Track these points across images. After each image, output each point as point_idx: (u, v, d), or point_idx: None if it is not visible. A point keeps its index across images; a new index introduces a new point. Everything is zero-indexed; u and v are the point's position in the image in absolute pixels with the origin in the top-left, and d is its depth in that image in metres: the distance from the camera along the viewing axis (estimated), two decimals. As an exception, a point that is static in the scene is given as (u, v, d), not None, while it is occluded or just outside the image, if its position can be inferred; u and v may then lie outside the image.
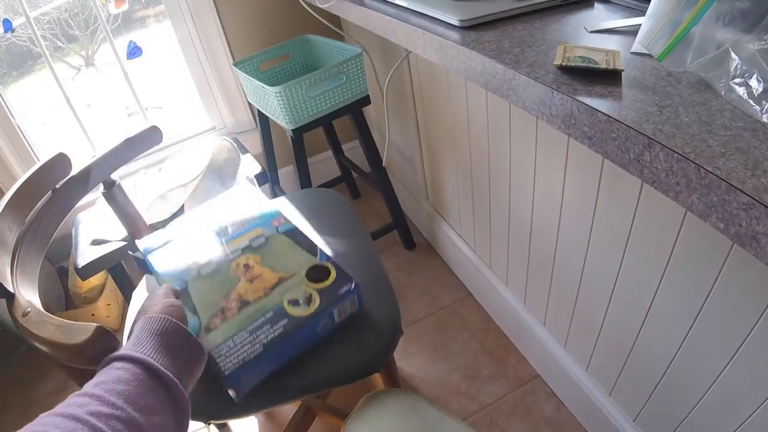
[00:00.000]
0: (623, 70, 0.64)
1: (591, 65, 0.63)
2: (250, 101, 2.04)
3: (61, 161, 1.13)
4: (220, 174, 1.73)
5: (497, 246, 1.68)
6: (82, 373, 0.78)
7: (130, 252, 1.14)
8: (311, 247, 1.06)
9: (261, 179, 1.81)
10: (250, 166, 1.85)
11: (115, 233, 1.71)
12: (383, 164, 2.02)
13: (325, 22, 1.80)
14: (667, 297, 1.01)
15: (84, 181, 1.18)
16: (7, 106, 2.00)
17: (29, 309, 0.84)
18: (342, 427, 0.91)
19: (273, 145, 2.25)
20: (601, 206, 1.10)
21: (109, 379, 0.60)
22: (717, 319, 0.91)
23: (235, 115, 2.39)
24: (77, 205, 1.19)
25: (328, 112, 1.77)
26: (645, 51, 0.67)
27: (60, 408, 0.55)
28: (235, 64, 1.91)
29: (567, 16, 0.89)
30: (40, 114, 2.36)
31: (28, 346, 2.10)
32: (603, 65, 0.64)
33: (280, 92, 1.61)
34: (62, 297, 2.22)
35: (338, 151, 2.53)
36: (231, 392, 0.88)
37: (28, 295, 0.92)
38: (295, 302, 0.95)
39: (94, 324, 0.77)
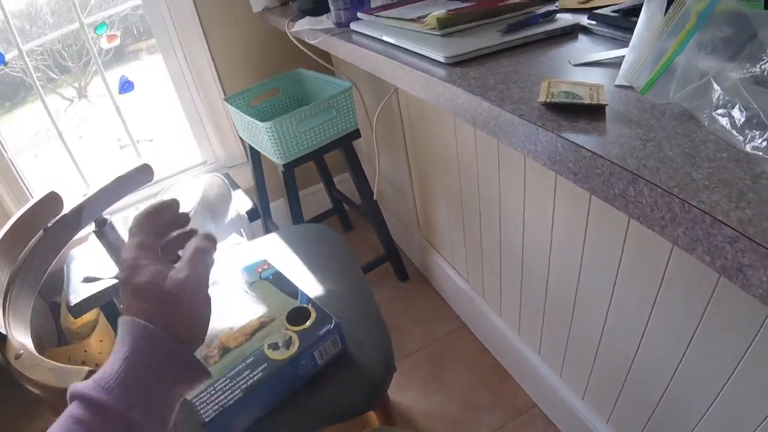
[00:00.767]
0: (607, 105, 0.64)
1: (575, 101, 0.64)
2: (241, 136, 2.05)
3: (52, 200, 1.13)
4: (211, 210, 1.73)
5: (490, 276, 1.68)
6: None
7: (121, 306, 1.14)
8: (292, 290, 1.08)
9: (252, 215, 1.81)
10: (242, 202, 1.85)
11: (107, 270, 1.70)
12: (374, 197, 2.02)
13: (315, 58, 1.82)
14: (659, 324, 1.01)
15: (76, 220, 1.18)
16: (-1, 139, 2.00)
17: (22, 351, 0.83)
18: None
19: (264, 178, 2.25)
20: (591, 236, 1.11)
21: None
22: (710, 343, 0.91)
23: (227, 149, 2.40)
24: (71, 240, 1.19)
25: (318, 146, 1.78)
26: (629, 84, 0.68)
27: None
28: (227, 99, 1.93)
29: (552, 49, 0.90)
30: (32, 146, 2.36)
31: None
32: (587, 100, 0.64)
33: (270, 128, 1.62)
34: (54, 332, 2.19)
35: (329, 184, 2.54)
36: None
37: (21, 337, 0.91)
38: (275, 346, 0.96)
39: (86, 368, 0.77)
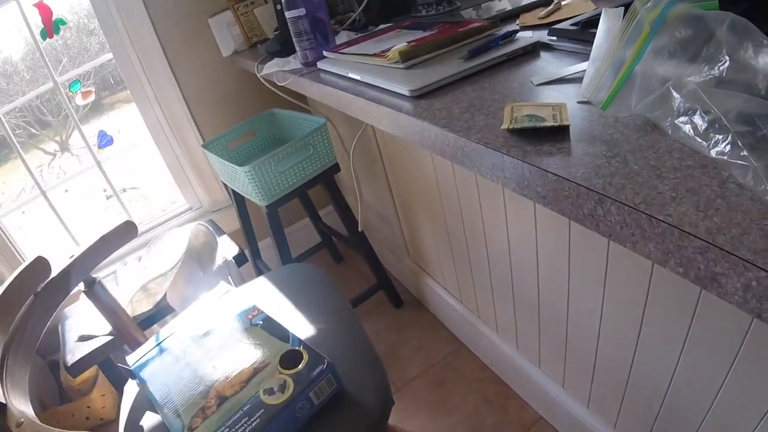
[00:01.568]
0: (569, 125, 0.65)
1: (538, 124, 0.65)
2: (222, 180, 2.05)
3: (39, 265, 1.13)
4: (198, 259, 1.72)
5: (482, 295, 1.68)
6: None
7: (119, 365, 1.16)
8: (283, 334, 1.08)
9: (240, 260, 1.81)
10: (228, 248, 1.85)
11: (101, 328, 1.69)
12: (360, 228, 2.02)
13: (288, 98, 1.83)
14: (651, 331, 1.02)
15: (64, 283, 1.18)
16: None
17: (22, 420, 0.84)
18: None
19: (251, 219, 2.26)
20: (575, 251, 1.12)
21: None
22: (703, 347, 0.91)
23: (210, 194, 2.40)
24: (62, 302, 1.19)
25: (299, 184, 1.79)
26: (590, 101, 0.69)
27: None
28: (204, 146, 1.93)
29: (514, 70, 0.91)
30: (19, 204, 2.35)
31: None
32: (550, 122, 0.65)
33: (249, 171, 1.63)
34: (56, 390, 2.17)
35: (316, 218, 2.54)
36: None
37: (20, 404, 0.91)
38: (270, 391, 0.96)
39: None
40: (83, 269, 1.23)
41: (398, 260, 2.30)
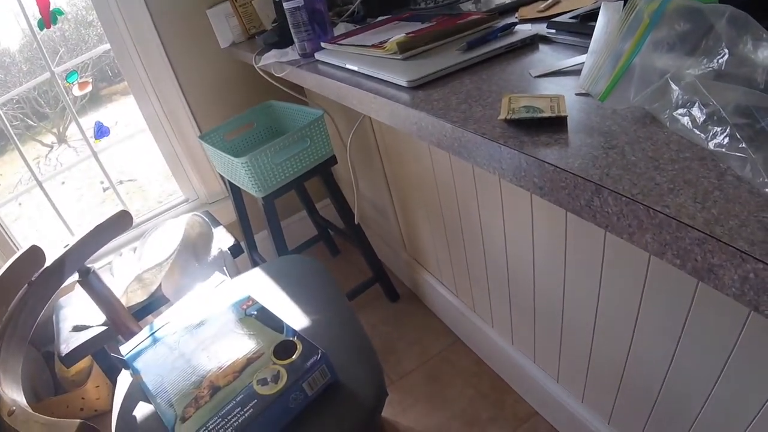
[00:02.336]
0: (567, 116, 0.64)
1: (535, 115, 0.64)
2: (219, 172, 2.05)
3: (34, 254, 1.13)
4: (194, 250, 1.72)
5: (478, 289, 1.68)
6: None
7: (113, 354, 1.15)
8: (278, 325, 1.08)
9: (235, 251, 1.80)
10: (224, 239, 1.85)
11: (95, 318, 1.69)
12: (356, 221, 2.02)
13: (286, 90, 1.82)
14: (647, 323, 1.02)
15: (59, 272, 1.18)
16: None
17: (14, 408, 0.84)
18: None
19: (247, 211, 2.25)
20: (571, 244, 1.11)
21: None
22: (699, 339, 0.91)
23: (207, 185, 2.40)
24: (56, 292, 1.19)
25: (296, 176, 1.78)
26: (587, 92, 0.68)
27: None
28: (201, 137, 1.92)
29: (512, 62, 0.91)
30: (15, 195, 2.35)
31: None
32: (547, 113, 0.64)
33: (246, 162, 1.62)
34: (50, 381, 2.17)
35: (312, 211, 2.53)
36: None
37: (12, 394, 0.91)
38: (263, 381, 0.96)
39: (78, 420, 0.78)
40: (78, 258, 1.23)
41: (394, 253, 2.30)
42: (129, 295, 1.64)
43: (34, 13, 1.99)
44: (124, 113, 2.42)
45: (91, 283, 1.29)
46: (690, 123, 0.55)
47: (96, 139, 2.31)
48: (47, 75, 2.09)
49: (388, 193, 2.03)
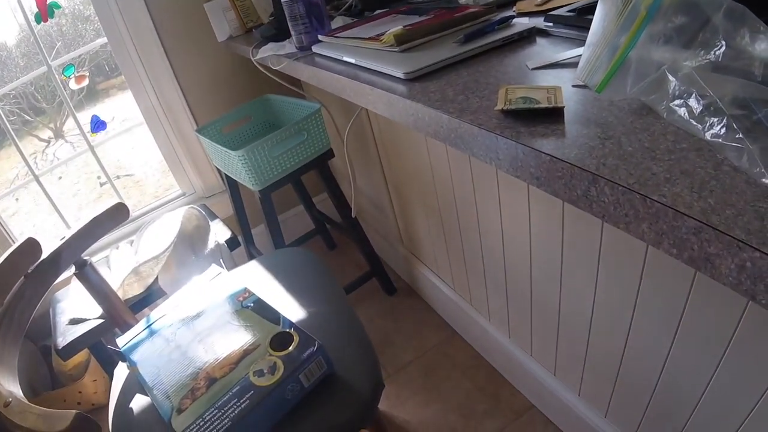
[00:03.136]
0: (564, 107, 0.64)
1: (532, 105, 0.64)
2: (216, 165, 2.05)
3: (30, 246, 1.13)
4: (191, 243, 1.72)
5: (475, 283, 1.68)
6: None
7: (109, 347, 1.16)
8: (274, 316, 1.08)
9: (232, 244, 1.80)
10: (220, 232, 1.84)
11: (92, 311, 1.69)
12: (353, 215, 2.02)
13: (283, 83, 1.82)
14: (644, 315, 1.02)
15: (55, 264, 1.18)
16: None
17: (10, 399, 0.84)
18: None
19: (244, 205, 2.25)
20: (568, 236, 1.11)
21: None
22: (696, 331, 0.92)
23: (204, 179, 2.40)
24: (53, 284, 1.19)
25: (293, 169, 1.78)
26: (584, 83, 0.68)
27: None
28: (198, 131, 1.92)
29: (510, 55, 0.91)
30: (12, 189, 2.35)
31: None
32: (544, 104, 0.64)
33: (243, 155, 1.62)
34: (47, 376, 2.17)
35: (309, 205, 2.53)
36: None
37: (8, 385, 0.91)
38: (260, 373, 0.96)
39: (74, 411, 0.79)
40: (74, 251, 1.22)
41: (392, 247, 2.30)
42: (126, 288, 1.64)
43: (31, 7, 1.98)
44: (121, 108, 2.41)
45: (87, 275, 1.29)
46: (687, 114, 0.55)
47: (93, 132, 2.31)
48: (44, 69, 2.08)
49: (385, 187, 2.03)
